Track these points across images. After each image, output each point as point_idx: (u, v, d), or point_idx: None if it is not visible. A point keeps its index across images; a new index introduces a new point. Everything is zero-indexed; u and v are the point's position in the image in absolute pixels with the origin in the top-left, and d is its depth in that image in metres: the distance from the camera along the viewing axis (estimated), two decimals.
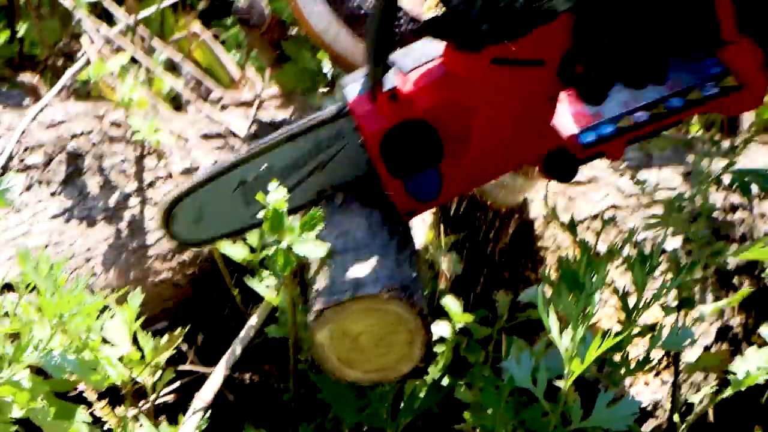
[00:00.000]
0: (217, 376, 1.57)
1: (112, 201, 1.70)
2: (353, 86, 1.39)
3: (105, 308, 1.40)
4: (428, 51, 1.37)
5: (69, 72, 1.91)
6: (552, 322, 1.30)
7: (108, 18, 2.25)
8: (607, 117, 1.39)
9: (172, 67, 2.15)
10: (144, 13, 2.23)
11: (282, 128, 1.42)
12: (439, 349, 1.59)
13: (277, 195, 1.34)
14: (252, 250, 1.61)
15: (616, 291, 1.40)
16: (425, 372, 1.35)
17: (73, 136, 1.74)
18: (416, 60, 1.36)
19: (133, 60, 2.02)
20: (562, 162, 1.40)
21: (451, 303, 1.61)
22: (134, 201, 1.71)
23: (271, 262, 1.43)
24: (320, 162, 1.43)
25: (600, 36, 1.32)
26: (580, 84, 1.35)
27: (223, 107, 1.93)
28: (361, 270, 1.31)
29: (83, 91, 1.95)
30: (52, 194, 1.69)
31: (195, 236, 1.44)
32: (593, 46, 1.32)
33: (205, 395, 1.55)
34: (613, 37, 1.31)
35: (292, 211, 1.42)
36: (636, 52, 1.32)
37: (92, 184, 1.71)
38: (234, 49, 2.32)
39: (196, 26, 2.20)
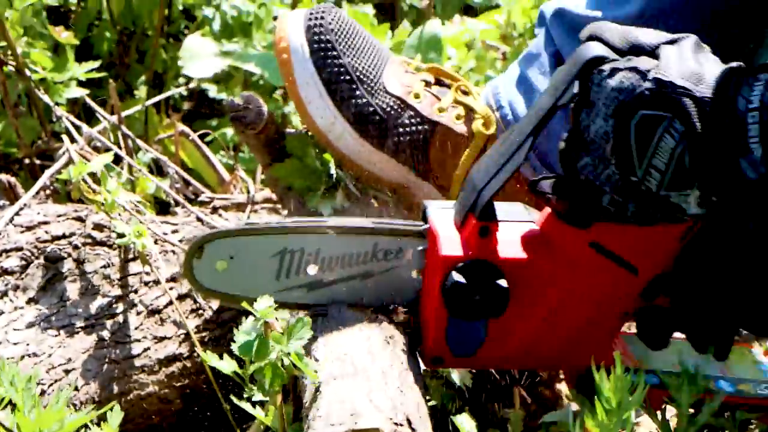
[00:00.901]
0: None
1: (94, 308, 1.57)
2: (439, 210, 1.33)
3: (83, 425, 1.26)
4: (520, 212, 1.32)
5: (48, 172, 1.79)
6: None
7: (88, 117, 2.16)
8: (654, 367, 1.35)
9: (157, 168, 2.04)
10: (127, 112, 2.13)
11: (347, 218, 1.37)
12: None
13: (264, 303, 1.23)
14: (240, 363, 1.48)
15: (654, 414, 1.29)
16: None
17: (53, 239, 1.62)
18: (509, 214, 1.30)
19: (115, 161, 1.91)
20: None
21: (464, 422, 1.48)
22: (118, 308, 1.58)
23: (258, 377, 1.32)
24: (367, 271, 1.35)
25: (700, 276, 1.26)
26: (650, 315, 1.30)
27: (214, 209, 1.82)
28: (360, 399, 1.19)
29: (63, 193, 1.84)
30: (29, 301, 1.56)
31: (211, 284, 1.37)
32: (688, 282, 1.26)
33: None
34: (711, 284, 1.26)
35: (298, 307, 1.36)
36: (720, 314, 1.28)
37: (73, 289, 1.58)
38: (221, 151, 2.23)
39: (182, 127, 2.10)
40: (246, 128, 1.65)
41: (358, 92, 1.63)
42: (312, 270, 1.35)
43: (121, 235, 1.57)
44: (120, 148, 1.94)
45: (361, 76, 1.64)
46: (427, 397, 1.48)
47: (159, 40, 2.31)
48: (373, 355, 1.28)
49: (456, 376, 1.55)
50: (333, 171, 1.66)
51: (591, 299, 1.29)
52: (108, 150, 1.88)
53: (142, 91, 2.29)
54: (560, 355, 1.35)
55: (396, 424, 1.15)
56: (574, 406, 1.41)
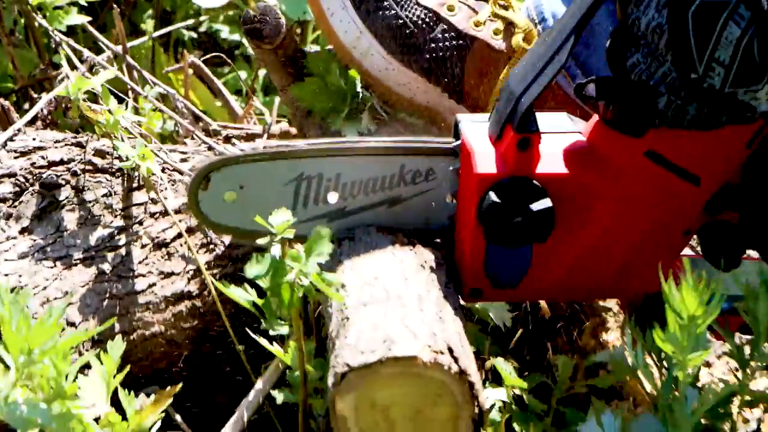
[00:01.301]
0: None
1: (94, 239, 1.43)
2: (473, 124, 1.20)
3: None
4: (564, 122, 1.19)
5: (46, 97, 1.65)
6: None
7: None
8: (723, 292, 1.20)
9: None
10: (133, 42, 1.98)
11: (373, 137, 1.26)
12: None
13: (282, 217, 1.08)
14: (260, 293, 1.32)
15: (729, 334, 1.14)
16: None
17: (50, 165, 1.47)
18: (552, 125, 1.17)
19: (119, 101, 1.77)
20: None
21: (503, 365, 1.33)
22: (121, 240, 1.43)
23: (274, 301, 1.17)
24: (394, 197, 1.24)
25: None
26: (717, 232, 1.19)
27: (227, 139, 1.67)
28: (393, 324, 1.05)
29: (62, 124, 1.69)
30: (23, 231, 1.42)
31: (219, 217, 1.25)
32: (759, 193, 1.16)
33: None
34: None
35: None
36: None
37: (70, 219, 1.44)
38: (234, 96, 2.08)
39: (192, 58, 1.94)
40: (262, 42, 1.50)
41: (386, 3, 1.50)
42: (332, 198, 1.24)
43: (124, 159, 1.42)
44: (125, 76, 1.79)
45: None
46: None
47: None
48: (407, 280, 1.15)
49: (494, 314, 1.40)
50: (359, 90, 1.51)
51: (648, 217, 1.18)
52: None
53: (149, 25, 2.14)
54: (616, 283, 1.23)
55: (435, 351, 1.02)
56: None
